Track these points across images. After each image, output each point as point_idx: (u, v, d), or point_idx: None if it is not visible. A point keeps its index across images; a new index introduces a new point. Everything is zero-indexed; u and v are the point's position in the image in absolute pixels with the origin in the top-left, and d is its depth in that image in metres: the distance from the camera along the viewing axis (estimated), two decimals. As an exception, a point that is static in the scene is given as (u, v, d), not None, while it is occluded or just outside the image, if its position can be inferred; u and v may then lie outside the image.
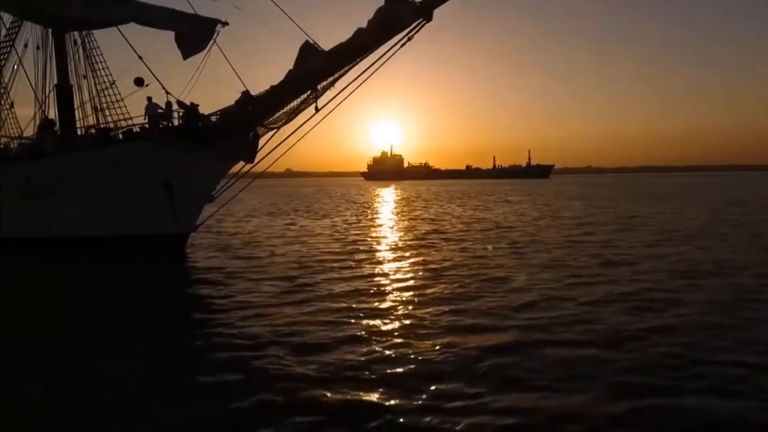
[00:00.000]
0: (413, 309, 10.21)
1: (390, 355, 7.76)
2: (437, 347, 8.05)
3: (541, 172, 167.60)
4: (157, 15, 22.27)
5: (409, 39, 13.97)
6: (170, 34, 22.59)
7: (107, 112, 23.06)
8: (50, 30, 21.58)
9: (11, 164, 18.40)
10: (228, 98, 17.15)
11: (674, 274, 13.12)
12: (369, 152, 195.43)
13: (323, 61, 15.07)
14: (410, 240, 20.86)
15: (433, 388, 6.58)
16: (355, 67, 14.88)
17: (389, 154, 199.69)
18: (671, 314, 9.58)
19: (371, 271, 14.21)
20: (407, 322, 9.37)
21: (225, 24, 23.57)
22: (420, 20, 13.67)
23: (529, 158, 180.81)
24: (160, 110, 17.67)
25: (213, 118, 17.21)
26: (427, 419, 5.80)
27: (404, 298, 11.15)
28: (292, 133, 16.28)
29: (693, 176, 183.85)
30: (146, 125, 17.66)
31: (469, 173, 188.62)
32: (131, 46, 20.23)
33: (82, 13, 21.05)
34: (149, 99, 17.77)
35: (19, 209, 18.08)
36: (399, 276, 13.52)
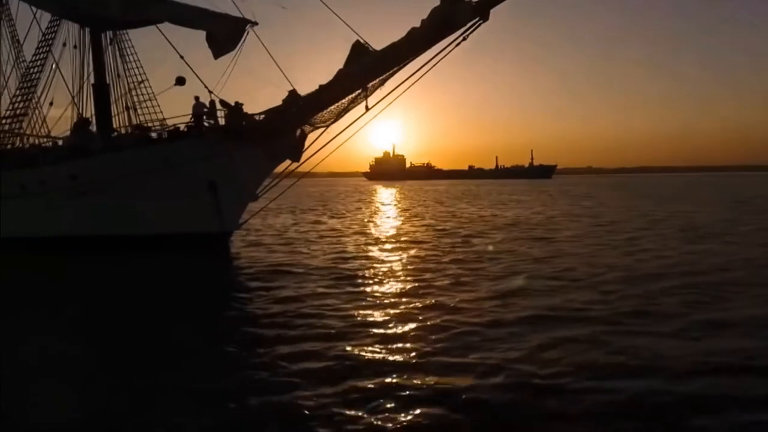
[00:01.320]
0: (491, 309, 10.31)
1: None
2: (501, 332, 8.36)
3: (544, 172, 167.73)
4: (191, 14, 22.43)
5: (464, 39, 14.11)
6: (199, 34, 22.70)
7: (139, 111, 23.29)
8: (87, 29, 21.70)
9: (55, 163, 18.46)
10: (262, 96, 17.33)
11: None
12: (371, 152, 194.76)
13: (375, 60, 15.20)
14: (458, 239, 20.96)
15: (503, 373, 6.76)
16: (407, 66, 15.03)
17: (391, 155, 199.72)
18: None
19: (419, 266, 14.37)
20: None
21: (254, 24, 23.73)
22: (476, 20, 13.81)
23: (532, 158, 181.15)
24: (206, 109, 17.77)
25: (258, 117, 17.35)
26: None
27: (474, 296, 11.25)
28: (341, 132, 16.39)
29: (693, 177, 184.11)
30: (192, 124, 17.75)
31: (472, 173, 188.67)
32: (172, 46, 20.40)
33: (120, 13, 21.18)
34: (197, 98, 17.88)
35: (64, 207, 18.18)
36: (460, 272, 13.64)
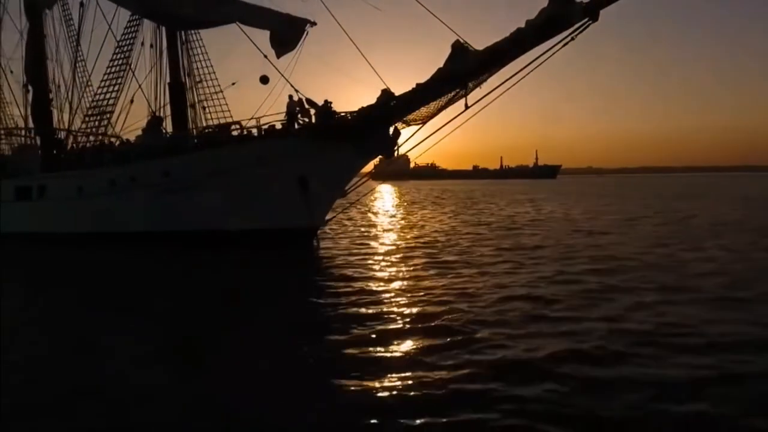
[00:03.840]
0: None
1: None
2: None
3: (549, 172, 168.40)
4: (259, 15, 22.89)
5: (572, 39, 14.45)
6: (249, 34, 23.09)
7: (209, 109, 23.68)
8: (163, 28, 22.04)
9: (148, 160, 18.76)
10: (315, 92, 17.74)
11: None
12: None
13: (477, 60, 15.52)
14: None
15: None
16: (509, 65, 15.37)
17: (396, 154, 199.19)
18: None
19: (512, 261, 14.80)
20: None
21: (313, 24, 24.17)
22: (586, 20, 14.15)
23: (537, 158, 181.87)
24: (298, 108, 18.10)
25: (350, 115, 17.70)
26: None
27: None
28: (439, 129, 16.74)
29: (693, 177, 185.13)
30: (285, 122, 18.08)
31: (476, 173, 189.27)
32: (256, 46, 21.00)
33: (194, 12, 21.59)
34: (290, 97, 18.19)
35: (157, 203, 18.49)
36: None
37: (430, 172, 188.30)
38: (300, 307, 10.74)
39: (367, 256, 16.31)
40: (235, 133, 18.49)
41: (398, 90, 16.78)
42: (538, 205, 40.38)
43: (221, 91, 23.52)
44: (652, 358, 7.26)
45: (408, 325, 8.96)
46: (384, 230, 24.37)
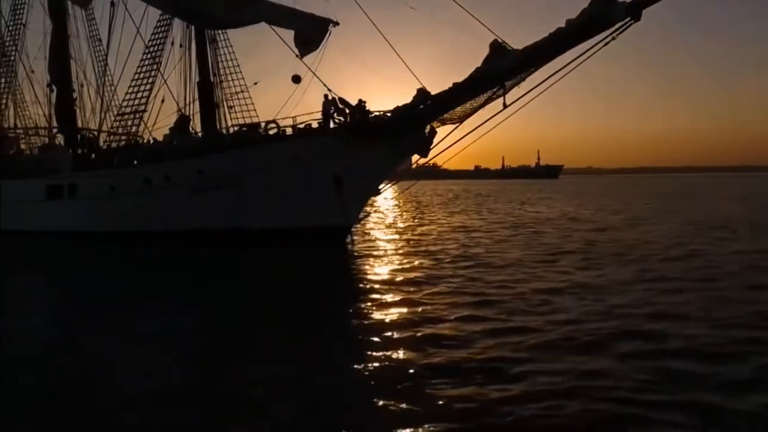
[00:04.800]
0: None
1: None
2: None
3: (550, 172, 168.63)
4: (285, 15, 23.01)
5: (614, 38, 14.57)
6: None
7: (235, 108, 23.80)
8: (192, 27, 22.14)
9: (181, 158, 18.84)
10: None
11: None
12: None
13: (515, 59, 15.62)
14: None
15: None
16: (549, 64, 15.47)
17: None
18: None
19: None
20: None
21: (336, 24, 24.32)
22: (628, 19, 14.27)
23: (539, 159, 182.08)
24: (333, 108, 18.19)
25: (385, 114, 17.80)
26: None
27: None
28: (476, 128, 16.82)
29: (694, 177, 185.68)
30: (320, 121, 18.18)
31: (478, 173, 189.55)
32: (289, 46, 21.06)
33: (224, 12, 21.71)
34: (325, 96, 18.29)
35: (191, 202, 18.57)
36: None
37: (432, 172, 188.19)
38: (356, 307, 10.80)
39: (410, 255, 16.45)
40: (272, 131, 18.56)
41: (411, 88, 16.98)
42: (559, 206, 40.50)
43: (247, 91, 23.68)
44: None
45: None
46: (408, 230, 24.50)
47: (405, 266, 14.69)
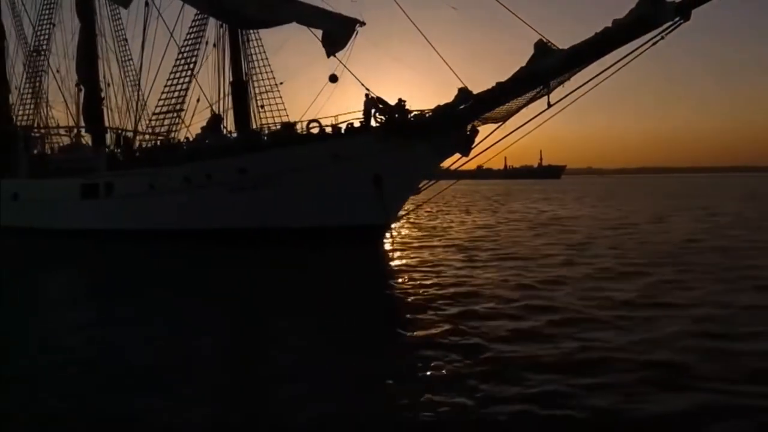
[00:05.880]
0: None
1: None
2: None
3: (553, 172, 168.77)
4: (315, 15, 23.12)
5: (662, 38, 14.69)
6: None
7: (266, 108, 23.89)
8: (226, 27, 22.24)
9: (222, 157, 18.93)
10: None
11: None
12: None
13: (561, 59, 15.73)
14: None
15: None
16: (594, 63, 15.58)
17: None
18: None
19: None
20: None
21: (363, 24, 24.41)
22: (677, 19, 14.38)
23: (541, 159, 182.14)
24: (374, 107, 18.30)
25: (426, 113, 17.91)
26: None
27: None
28: (518, 128, 16.93)
29: (694, 178, 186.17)
30: (362, 120, 18.28)
31: (480, 173, 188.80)
32: (324, 46, 21.04)
33: (257, 11, 21.83)
34: (367, 95, 18.39)
35: (231, 200, 18.67)
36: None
37: (434, 172, 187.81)
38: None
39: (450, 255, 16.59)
40: (314, 130, 18.66)
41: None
42: (576, 206, 40.65)
43: (278, 90, 23.76)
44: None
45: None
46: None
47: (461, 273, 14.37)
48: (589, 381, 6.41)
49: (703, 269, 13.77)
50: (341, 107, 17.99)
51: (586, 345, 7.73)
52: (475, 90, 16.87)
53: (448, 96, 17.55)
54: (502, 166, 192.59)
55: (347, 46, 23.66)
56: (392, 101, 17.99)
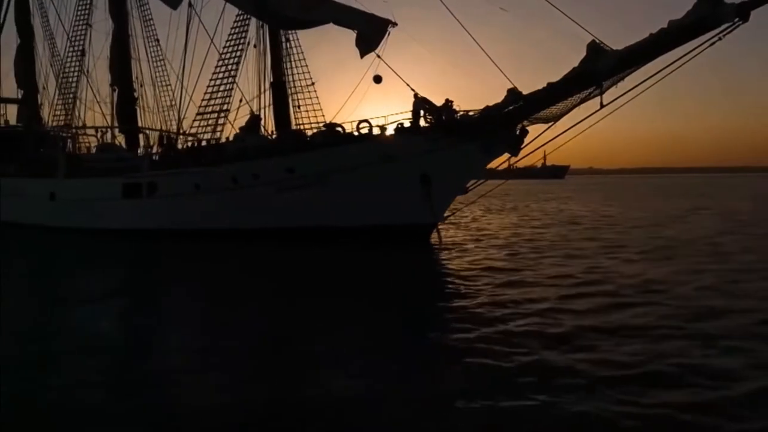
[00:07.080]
0: None
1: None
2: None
3: (557, 172, 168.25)
4: (350, 15, 23.21)
5: (720, 39, 14.78)
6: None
7: (302, 108, 23.97)
8: (266, 27, 22.33)
9: (269, 157, 19.02)
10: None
11: None
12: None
13: (615, 59, 15.81)
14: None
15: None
16: (649, 64, 15.68)
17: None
18: None
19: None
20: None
21: (395, 24, 24.50)
22: (736, 20, 14.47)
23: (545, 158, 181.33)
24: (423, 108, 18.38)
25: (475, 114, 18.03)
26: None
27: None
28: (570, 128, 17.05)
29: (694, 178, 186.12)
30: (411, 120, 18.38)
31: (483, 173, 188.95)
32: (357, 47, 21.17)
33: (297, 12, 21.94)
34: (415, 95, 18.49)
35: (278, 200, 18.75)
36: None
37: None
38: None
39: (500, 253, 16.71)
40: (364, 130, 18.76)
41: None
42: (591, 206, 40.79)
43: (315, 91, 23.85)
44: None
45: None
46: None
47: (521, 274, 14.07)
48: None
49: None
50: (376, 107, 18.16)
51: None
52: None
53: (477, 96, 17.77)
54: (505, 166, 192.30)
55: (379, 47, 23.85)
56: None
